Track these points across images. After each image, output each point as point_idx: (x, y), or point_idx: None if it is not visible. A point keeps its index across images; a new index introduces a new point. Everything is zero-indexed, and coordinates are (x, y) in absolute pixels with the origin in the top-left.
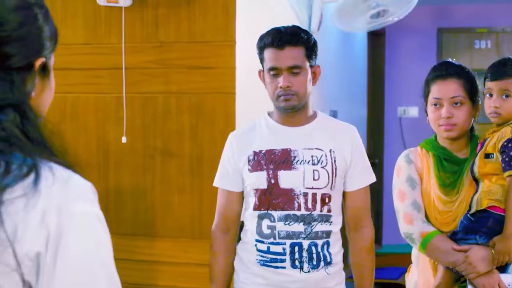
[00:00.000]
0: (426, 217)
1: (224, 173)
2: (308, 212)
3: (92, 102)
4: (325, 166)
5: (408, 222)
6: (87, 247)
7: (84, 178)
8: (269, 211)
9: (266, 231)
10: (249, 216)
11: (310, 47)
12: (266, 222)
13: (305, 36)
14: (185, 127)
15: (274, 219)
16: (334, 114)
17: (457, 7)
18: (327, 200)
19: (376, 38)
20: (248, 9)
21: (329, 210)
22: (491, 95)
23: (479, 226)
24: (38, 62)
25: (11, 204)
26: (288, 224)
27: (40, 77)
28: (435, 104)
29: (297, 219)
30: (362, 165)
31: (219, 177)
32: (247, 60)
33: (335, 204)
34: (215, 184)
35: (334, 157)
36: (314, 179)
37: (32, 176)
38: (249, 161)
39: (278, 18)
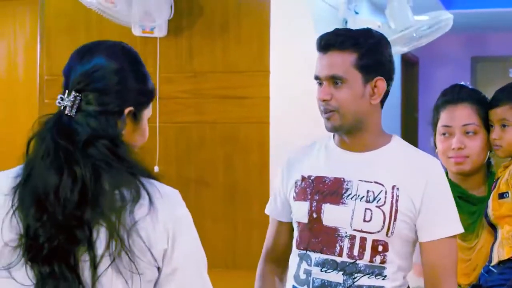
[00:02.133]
0: None
1: (273, 199)
2: (352, 260)
3: None
4: (382, 205)
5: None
6: (191, 238)
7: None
8: (307, 252)
9: (302, 275)
10: (292, 255)
11: (366, 54)
12: (304, 265)
13: (361, 39)
14: (219, 157)
15: (311, 262)
16: None
17: (490, 36)
18: (380, 249)
19: (410, 67)
20: (282, 38)
21: (383, 262)
22: (491, 126)
23: (504, 279)
24: (127, 110)
25: (143, 221)
26: (325, 271)
27: (131, 121)
28: (444, 133)
29: (336, 266)
30: (439, 210)
31: (268, 203)
32: (281, 89)
33: (396, 255)
34: (265, 211)
35: (397, 196)
36: (364, 220)
37: (146, 197)
38: (295, 187)
39: (312, 46)
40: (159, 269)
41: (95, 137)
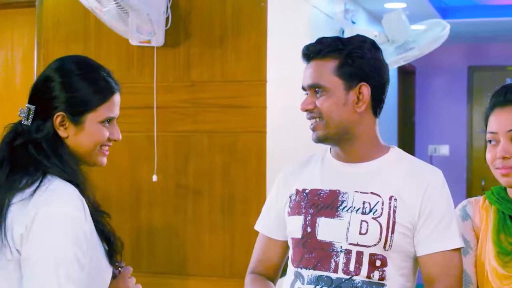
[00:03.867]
0: None
1: (265, 214)
2: (347, 277)
3: (123, 141)
4: (379, 217)
5: None
6: (52, 234)
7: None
8: (300, 269)
9: None
10: (288, 273)
11: (347, 60)
12: (297, 284)
13: (341, 46)
14: (217, 166)
15: (303, 280)
16: None
17: (488, 46)
18: (378, 264)
19: (407, 76)
20: (279, 48)
21: (381, 278)
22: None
23: None
24: (56, 116)
25: (14, 205)
26: None
27: (72, 125)
28: (490, 141)
29: (330, 283)
30: (439, 222)
31: (259, 218)
32: (278, 99)
33: (396, 271)
34: (255, 226)
35: (395, 207)
36: (360, 233)
37: (34, 187)
38: (290, 201)
39: None
40: (18, 251)
41: (29, 141)
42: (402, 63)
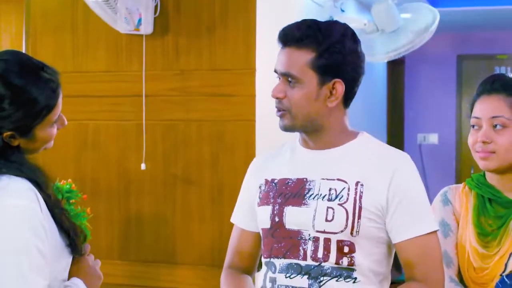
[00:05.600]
0: (460, 274)
1: (239, 206)
2: (316, 263)
3: (112, 129)
4: (344, 203)
5: None
6: (3, 226)
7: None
8: (271, 259)
9: (268, 285)
10: (262, 265)
11: (324, 54)
12: (269, 274)
13: (321, 37)
14: (205, 155)
15: (275, 269)
16: None
17: (476, 34)
18: (346, 250)
19: (396, 65)
20: (268, 36)
21: (351, 264)
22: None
23: None
24: (5, 134)
25: None
26: (289, 277)
27: (24, 138)
28: (474, 126)
29: (300, 270)
30: (411, 207)
31: (234, 210)
32: (267, 87)
33: (365, 257)
34: (231, 219)
35: (361, 192)
36: (326, 220)
37: None
38: (260, 192)
39: None
40: None
41: None
42: (394, 57)
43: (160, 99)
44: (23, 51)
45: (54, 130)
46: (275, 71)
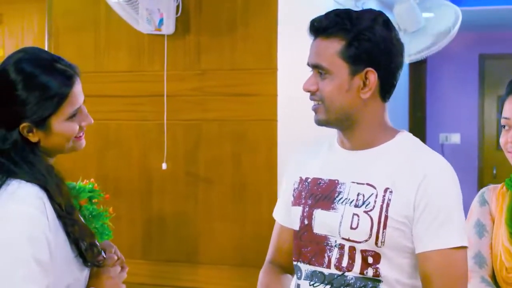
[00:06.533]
0: (494, 275)
1: (279, 201)
2: (339, 273)
3: (134, 129)
4: (370, 211)
5: None
6: (4, 235)
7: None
8: (298, 263)
9: None
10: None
11: (354, 42)
12: (295, 279)
13: (349, 24)
14: (227, 154)
15: (301, 275)
16: None
17: (498, 34)
18: (370, 261)
19: (418, 65)
20: (289, 35)
21: (376, 275)
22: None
23: None
24: (21, 126)
25: None
26: (313, 285)
27: (39, 132)
28: (504, 126)
29: (323, 279)
30: (435, 217)
31: (276, 205)
32: (288, 87)
33: (392, 268)
34: (273, 213)
35: (389, 200)
36: (351, 227)
37: None
38: (294, 190)
39: None
40: None
41: None
42: (416, 59)
43: (181, 99)
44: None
45: (74, 126)
46: (308, 64)
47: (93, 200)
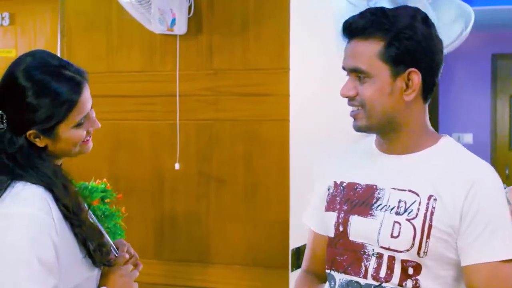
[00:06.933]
0: None
1: (310, 207)
2: (377, 283)
3: (146, 129)
4: (413, 219)
5: None
6: (5, 232)
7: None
8: (331, 272)
9: None
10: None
11: (394, 42)
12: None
13: (388, 24)
14: (239, 154)
15: (334, 284)
16: None
17: (511, 33)
18: (411, 272)
19: None
20: (302, 35)
21: (416, 287)
22: None
23: None
24: (28, 133)
25: None
26: None
27: (47, 137)
28: None
29: None
30: (484, 228)
31: (307, 209)
32: (301, 87)
33: (433, 280)
34: (303, 218)
35: (433, 208)
36: (392, 236)
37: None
38: (327, 195)
39: (332, 43)
40: None
41: (1, 150)
42: None
43: (193, 98)
44: (58, 50)
45: (81, 132)
46: (343, 68)
47: (106, 200)
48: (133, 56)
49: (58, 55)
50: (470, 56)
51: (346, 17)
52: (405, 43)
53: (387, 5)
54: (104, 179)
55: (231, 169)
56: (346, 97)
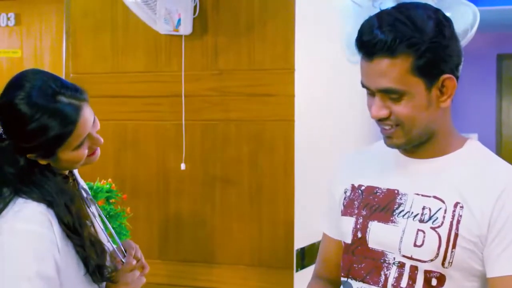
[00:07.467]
0: None
1: (325, 211)
2: None
3: (151, 129)
4: (438, 227)
5: None
6: (7, 247)
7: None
8: (348, 280)
9: None
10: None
11: (425, 53)
12: None
13: (416, 36)
14: (244, 155)
15: None
16: None
17: None
18: (434, 283)
19: None
20: (307, 36)
21: None
22: None
23: None
24: (29, 155)
25: None
26: None
27: (47, 160)
28: None
29: None
30: (510, 237)
31: (321, 214)
32: (306, 87)
33: None
34: (320, 225)
35: (460, 216)
36: (415, 245)
37: (1, 207)
38: (344, 198)
39: (337, 44)
40: None
41: (4, 164)
42: None
43: (199, 99)
44: (63, 51)
45: (82, 152)
46: (364, 86)
47: (111, 200)
48: (138, 56)
49: (64, 55)
50: (476, 57)
51: (352, 18)
52: (436, 51)
53: (392, 5)
54: (110, 179)
55: (236, 169)
56: (379, 119)
